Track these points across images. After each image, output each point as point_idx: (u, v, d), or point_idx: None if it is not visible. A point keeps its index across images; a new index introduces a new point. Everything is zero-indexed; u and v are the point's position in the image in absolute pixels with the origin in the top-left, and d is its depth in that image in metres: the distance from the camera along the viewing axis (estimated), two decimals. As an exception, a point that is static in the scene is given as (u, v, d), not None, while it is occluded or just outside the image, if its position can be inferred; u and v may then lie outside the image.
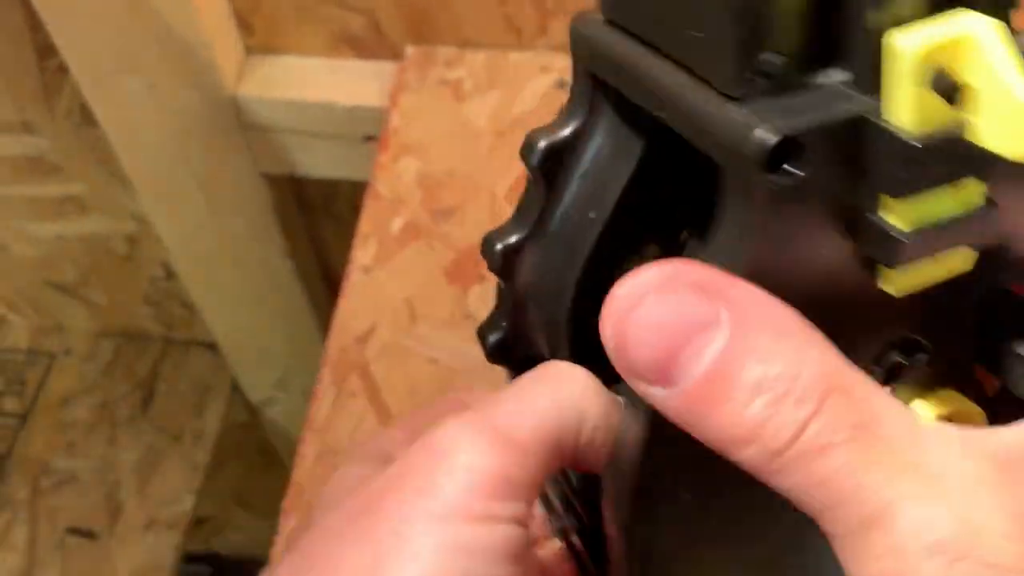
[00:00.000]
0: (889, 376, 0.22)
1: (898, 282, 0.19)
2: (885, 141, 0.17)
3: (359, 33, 0.64)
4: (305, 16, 0.63)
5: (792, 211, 0.18)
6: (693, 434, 0.18)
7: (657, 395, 0.18)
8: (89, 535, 0.98)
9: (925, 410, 0.22)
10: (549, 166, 0.24)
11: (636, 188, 0.23)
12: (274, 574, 0.23)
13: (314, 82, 0.64)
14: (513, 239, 0.25)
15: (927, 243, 0.18)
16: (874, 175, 0.18)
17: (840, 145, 0.17)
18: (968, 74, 0.17)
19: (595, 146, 0.24)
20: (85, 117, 0.76)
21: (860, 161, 0.18)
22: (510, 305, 0.26)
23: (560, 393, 0.22)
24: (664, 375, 0.18)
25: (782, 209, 0.18)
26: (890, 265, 0.19)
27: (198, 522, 1.01)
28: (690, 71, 0.19)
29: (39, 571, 0.97)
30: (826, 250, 0.19)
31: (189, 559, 0.99)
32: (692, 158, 0.21)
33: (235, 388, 1.02)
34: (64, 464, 1.03)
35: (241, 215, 0.75)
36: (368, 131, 0.64)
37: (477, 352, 0.28)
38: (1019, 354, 0.21)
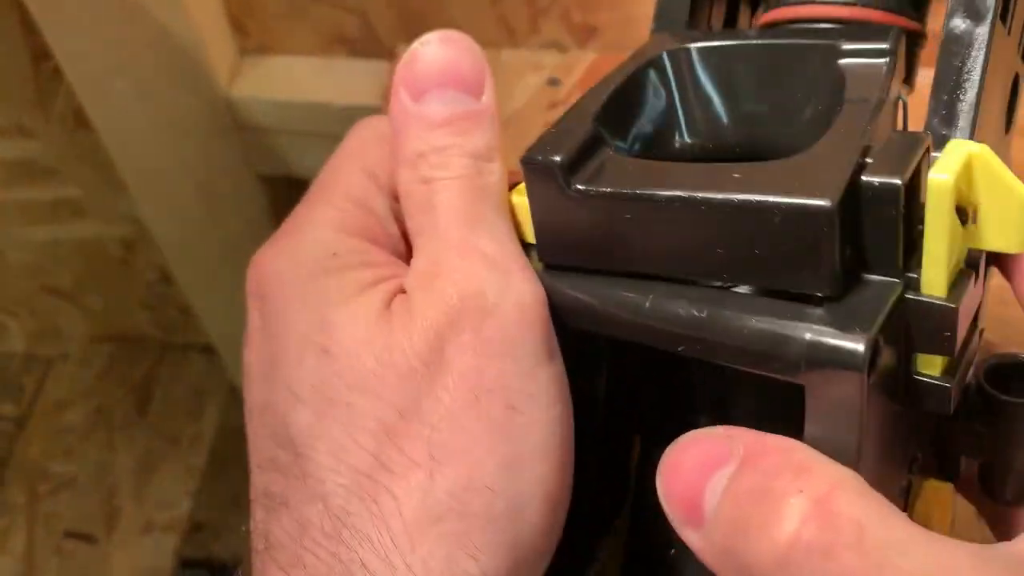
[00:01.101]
0: (908, 491, 0.23)
1: None
2: (926, 311, 0.19)
3: (352, 33, 0.64)
4: (298, 16, 0.63)
5: (877, 398, 0.19)
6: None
7: (693, 540, 0.19)
8: (87, 539, 0.98)
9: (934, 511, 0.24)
10: None
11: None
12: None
13: (308, 82, 0.65)
14: None
15: (958, 379, 0.21)
16: (917, 339, 0.20)
17: (895, 328, 0.19)
18: (976, 190, 0.19)
19: None
20: (80, 120, 0.76)
21: (904, 332, 0.20)
22: None
23: None
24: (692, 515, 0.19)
25: (871, 399, 0.19)
26: (945, 413, 0.21)
27: (197, 526, 1.01)
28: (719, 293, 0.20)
29: (37, 576, 0.96)
30: (888, 414, 0.20)
31: (187, 563, 0.99)
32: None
33: (233, 392, 1.02)
34: (61, 468, 1.03)
35: (237, 217, 0.75)
36: (362, 131, 0.64)
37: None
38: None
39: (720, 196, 0.19)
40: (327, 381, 0.22)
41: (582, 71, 0.60)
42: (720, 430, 0.19)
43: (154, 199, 0.74)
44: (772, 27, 0.25)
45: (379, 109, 0.61)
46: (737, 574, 0.18)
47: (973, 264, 0.20)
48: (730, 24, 0.27)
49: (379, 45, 0.64)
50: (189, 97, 0.65)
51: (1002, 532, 0.25)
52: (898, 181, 0.19)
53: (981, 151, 0.19)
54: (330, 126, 0.65)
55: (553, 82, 0.60)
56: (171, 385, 1.08)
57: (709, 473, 0.19)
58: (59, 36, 0.61)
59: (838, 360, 0.18)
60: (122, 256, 0.95)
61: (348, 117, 0.64)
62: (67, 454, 1.04)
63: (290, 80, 0.65)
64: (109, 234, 0.92)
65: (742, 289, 0.21)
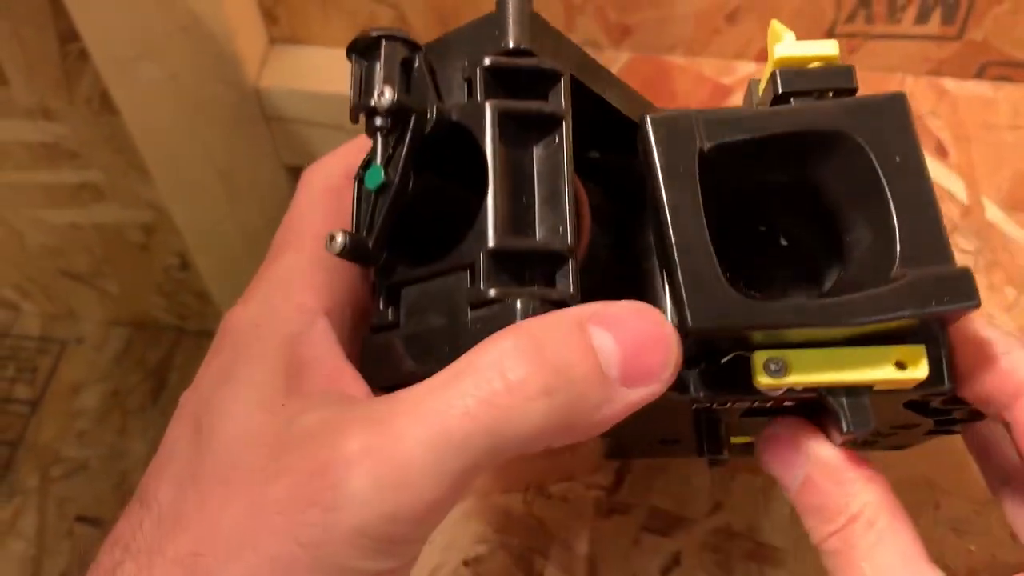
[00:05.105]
0: None
1: None
2: None
3: (386, 25, 0.63)
4: (331, 7, 0.63)
5: None
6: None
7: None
8: (98, 524, 0.98)
9: None
10: None
11: None
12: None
13: (338, 74, 0.64)
14: None
15: None
16: None
17: None
18: None
19: None
20: (104, 104, 0.75)
21: None
22: None
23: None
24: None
25: None
26: None
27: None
28: None
29: (48, 559, 0.96)
30: None
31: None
32: None
33: (247, 380, 1.02)
34: (74, 453, 1.03)
35: (261, 207, 0.74)
36: (392, 125, 0.63)
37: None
38: None
39: None
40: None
41: (616, 71, 0.59)
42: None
43: (177, 186, 0.74)
44: None
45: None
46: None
47: None
48: None
49: (413, 38, 0.63)
50: (217, 85, 0.64)
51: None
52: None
53: None
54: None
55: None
56: (186, 371, 1.08)
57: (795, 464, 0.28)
58: (87, 17, 0.61)
59: None
60: (141, 241, 0.95)
61: (378, 110, 0.63)
62: (80, 438, 1.04)
63: (320, 71, 0.64)
64: (129, 219, 0.91)
65: None
